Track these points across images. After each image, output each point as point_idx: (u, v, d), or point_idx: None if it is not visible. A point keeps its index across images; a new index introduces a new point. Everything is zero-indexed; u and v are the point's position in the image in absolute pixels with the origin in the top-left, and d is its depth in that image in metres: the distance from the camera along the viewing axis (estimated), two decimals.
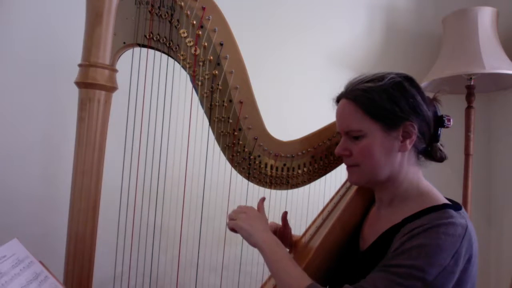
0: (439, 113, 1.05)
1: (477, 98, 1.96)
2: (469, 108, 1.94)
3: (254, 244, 1.03)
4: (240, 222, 1.06)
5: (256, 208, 1.16)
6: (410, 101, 0.98)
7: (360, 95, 1.01)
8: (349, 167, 1.08)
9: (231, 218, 1.10)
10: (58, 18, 1.68)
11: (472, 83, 1.92)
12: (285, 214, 1.28)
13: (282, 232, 1.29)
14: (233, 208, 1.14)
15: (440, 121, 1.03)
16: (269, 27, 2.00)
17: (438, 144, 1.05)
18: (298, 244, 1.27)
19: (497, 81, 2.01)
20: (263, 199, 1.19)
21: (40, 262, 0.95)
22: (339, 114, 1.07)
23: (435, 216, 0.90)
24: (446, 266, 0.84)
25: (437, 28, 2.12)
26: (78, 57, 1.07)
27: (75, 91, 1.08)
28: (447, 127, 1.03)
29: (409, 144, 0.98)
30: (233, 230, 1.08)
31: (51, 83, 1.68)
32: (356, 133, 1.01)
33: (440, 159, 1.06)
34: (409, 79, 1.02)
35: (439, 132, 1.04)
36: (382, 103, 0.98)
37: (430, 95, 2.07)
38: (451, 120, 1.03)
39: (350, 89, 1.04)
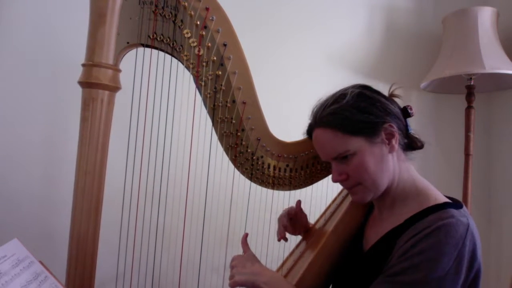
0: (401, 106, 1.08)
1: (477, 98, 1.97)
2: (469, 108, 1.94)
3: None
4: (238, 278, 1.02)
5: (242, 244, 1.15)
6: (378, 105, 1.01)
7: (332, 119, 1.01)
8: (350, 189, 1.07)
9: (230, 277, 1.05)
10: (60, 18, 1.68)
11: (472, 83, 1.92)
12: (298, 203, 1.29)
13: (299, 217, 1.30)
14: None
15: (405, 113, 1.07)
16: (269, 27, 2.00)
17: (412, 133, 1.08)
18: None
19: (497, 81, 2.02)
20: (245, 236, 1.17)
21: (40, 262, 0.95)
22: (319, 145, 1.06)
23: (436, 217, 0.90)
24: (449, 269, 0.85)
25: (437, 28, 2.12)
26: (81, 57, 1.07)
27: (78, 90, 1.08)
28: (412, 115, 1.07)
29: (395, 143, 1.00)
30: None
31: (54, 83, 1.67)
32: (344, 154, 1.01)
33: (421, 146, 1.08)
34: (366, 87, 1.05)
35: (407, 123, 1.07)
36: (355, 117, 0.99)
37: (428, 94, 2.08)
38: (413, 108, 1.07)
39: (319, 117, 1.04)
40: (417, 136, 1.09)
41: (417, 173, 1.06)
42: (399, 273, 0.88)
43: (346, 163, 1.01)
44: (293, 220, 1.29)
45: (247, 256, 1.11)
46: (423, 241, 0.88)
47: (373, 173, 1.00)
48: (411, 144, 1.07)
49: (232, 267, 1.07)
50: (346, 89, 1.04)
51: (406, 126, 1.06)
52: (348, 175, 1.02)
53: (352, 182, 1.03)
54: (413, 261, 0.87)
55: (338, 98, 1.02)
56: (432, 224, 0.89)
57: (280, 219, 1.29)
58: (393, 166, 1.02)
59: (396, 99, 1.10)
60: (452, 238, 0.86)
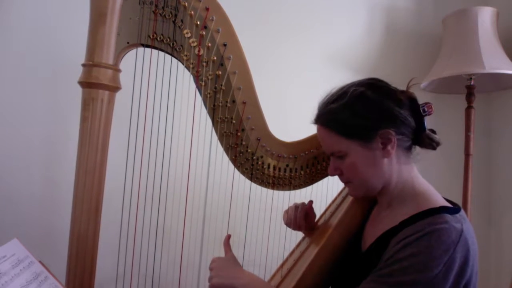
0: (417, 103, 1.01)
1: (477, 98, 1.96)
2: (469, 108, 1.94)
3: None
4: (215, 280, 1.03)
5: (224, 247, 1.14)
6: (377, 109, 0.98)
7: (328, 119, 1.03)
8: (345, 184, 1.11)
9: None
10: (60, 18, 1.68)
11: (472, 83, 1.92)
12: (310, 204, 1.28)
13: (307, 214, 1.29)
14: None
15: (417, 112, 1.01)
16: (269, 27, 1.99)
17: (427, 132, 1.02)
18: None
19: (497, 81, 2.02)
20: (228, 237, 1.16)
21: (40, 262, 0.95)
22: (319, 139, 1.09)
23: (429, 221, 0.89)
24: (437, 273, 0.84)
25: (437, 28, 2.12)
26: (81, 57, 1.07)
27: (78, 90, 1.08)
28: (428, 114, 1.01)
29: (391, 148, 0.98)
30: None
31: (55, 83, 1.67)
32: (338, 153, 1.04)
33: (431, 147, 1.04)
34: (371, 86, 1.01)
35: (423, 121, 1.01)
36: (350, 121, 0.99)
37: (428, 94, 2.08)
38: (433, 107, 1.01)
39: (320, 114, 1.06)
40: (431, 137, 1.03)
41: (419, 175, 1.05)
42: (387, 274, 0.88)
43: (341, 161, 1.04)
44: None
45: (228, 258, 1.11)
46: (413, 244, 0.87)
47: (363, 176, 1.03)
48: (420, 144, 1.04)
49: (211, 269, 1.07)
50: (351, 86, 1.02)
51: (419, 125, 1.01)
52: (342, 172, 1.06)
53: (345, 179, 1.08)
54: (402, 264, 0.86)
55: (338, 97, 1.02)
56: (424, 228, 0.88)
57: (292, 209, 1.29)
58: (389, 169, 1.01)
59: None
60: (443, 243, 0.85)
